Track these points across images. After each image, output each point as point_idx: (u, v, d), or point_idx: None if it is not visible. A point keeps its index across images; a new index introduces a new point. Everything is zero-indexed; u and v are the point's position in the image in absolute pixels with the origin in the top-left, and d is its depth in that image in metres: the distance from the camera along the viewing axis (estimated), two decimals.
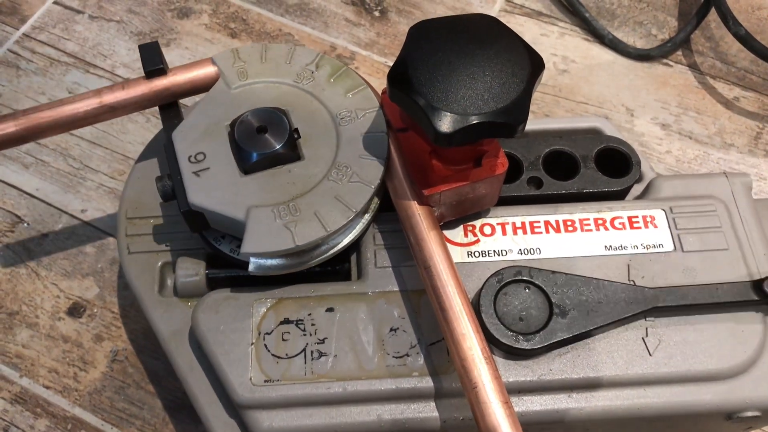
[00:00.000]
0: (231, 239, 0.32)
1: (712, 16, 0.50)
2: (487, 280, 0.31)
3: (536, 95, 0.48)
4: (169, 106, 0.34)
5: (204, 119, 0.32)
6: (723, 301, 0.31)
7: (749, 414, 0.30)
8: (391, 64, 0.49)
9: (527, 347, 0.29)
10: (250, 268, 0.31)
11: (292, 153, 0.31)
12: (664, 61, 0.50)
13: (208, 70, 0.34)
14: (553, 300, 0.30)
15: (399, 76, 0.27)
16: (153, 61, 0.33)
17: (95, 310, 0.41)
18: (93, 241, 0.43)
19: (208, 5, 0.52)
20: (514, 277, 0.31)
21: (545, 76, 0.49)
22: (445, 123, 0.26)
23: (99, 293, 0.41)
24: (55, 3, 0.52)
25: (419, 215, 0.30)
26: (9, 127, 0.32)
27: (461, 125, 0.26)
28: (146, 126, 0.47)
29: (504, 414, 0.26)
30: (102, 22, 0.51)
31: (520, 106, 0.27)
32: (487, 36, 0.28)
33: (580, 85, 0.49)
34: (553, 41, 0.51)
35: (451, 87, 0.27)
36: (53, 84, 0.49)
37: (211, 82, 0.33)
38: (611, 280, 0.31)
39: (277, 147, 0.31)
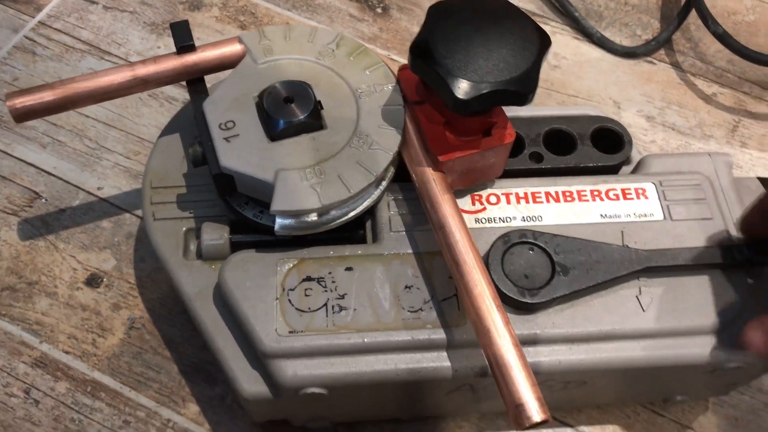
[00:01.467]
0: (254, 205, 0.34)
1: (692, 19, 0.54)
2: (494, 242, 0.34)
3: None
4: (196, 82, 0.36)
5: (233, 91, 0.34)
6: (708, 263, 0.34)
7: (732, 365, 0.33)
8: (393, 56, 0.52)
9: (532, 301, 0.32)
10: (276, 228, 0.33)
11: (316, 122, 0.33)
12: (648, 59, 0.53)
13: (235, 48, 0.36)
14: (555, 260, 0.33)
15: (421, 48, 0.30)
16: (183, 38, 0.35)
17: (113, 281, 0.42)
18: (110, 216, 0.45)
19: None
20: (520, 239, 0.34)
21: None
22: (463, 90, 0.29)
23: (116, 265, 0.43)
24: None
25: (434, 180, 0.33)
26: (47, 96, 0.34)
27: (478, 92, 0.29)
28: (160, 110, 0.49)
29: (515, 354, 0.29)
30: (116, 12, 0.53)
31: (531, 76, 0.30)
32: (500, 14, 0.31)
33: (571, 80, 0.52)
34: None
35: (469, 58, 0.30)
36: (69, 69, 0.50)
37: (237, 60, 0.36)
38: (608, 243, 0.34)
39: (303, 116, 0.33)
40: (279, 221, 0.32)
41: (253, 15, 0.54)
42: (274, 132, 0.33)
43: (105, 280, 0.43)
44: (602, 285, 0.33)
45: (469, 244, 0.31)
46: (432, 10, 0.31)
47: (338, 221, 0.33)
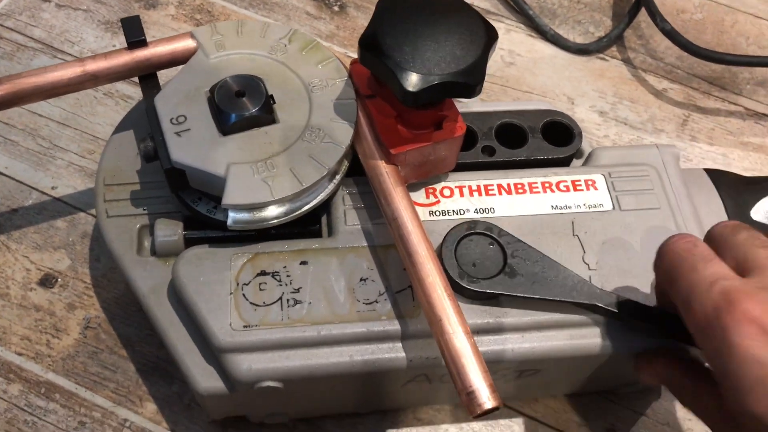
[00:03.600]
0: (208, 201, 0.34)
1: (643, 16, 0.55)
2: (458, 225, 0.34)
3: (485, 85, 0.52)
4: (149, 77, 0.36)
5: (184, 86, 0.34)
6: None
7: None
8: (350, 54, 0.53)
9: (466, 286, 0.32)
10: (228, 222, 0.33)
11: (268, 116, 0.33)
12: (601, 55, 0.55)
13: (187, 43, 0.36)
14: (508, 261, 0.33)
15: (370, 41, 0.30)
16: (135, 33, 0.35)
17: (67, 281, 0.42)
18: (64, 215, 0.44)
19: None
20: (484, 230, 0.34)
21: (494, 67, 0.53)
22: (412, 82, 0.30)
23: (71, 265, 0.42)
24: None
25: (387, 173, 0.33)
26: None
27: (426, 84, 0.30)
28: (115, 108, 0.49)
29: (467, 342, 0.29)
30: (69, 10, 0.53)
31: (478, 69, 0.30)
32: (448, 8, 0.31)
33: (525, 76, 0.53)
34: (501, 37, 0.55)
35: (417, 51, 0.30)
36: (20, 68, 0.50)
37: (189, 55, 0.36)
38: (567, 268, 0.33)
39: (254, 110, 0.33)
40: (232, 215, 0.32)
41: (209, 13, 0.54)
42: (226, 126, 0.33)
43: (59, 280, 0.42)
44: (538, 302, 0.33)
45: (422, 236, 0.32)
46: (381, 3, 0.31)
47: (292, 215, 0.33)
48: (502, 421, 0.40)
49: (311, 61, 0.36)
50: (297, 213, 0.33)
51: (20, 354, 0.40)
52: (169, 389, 0.39)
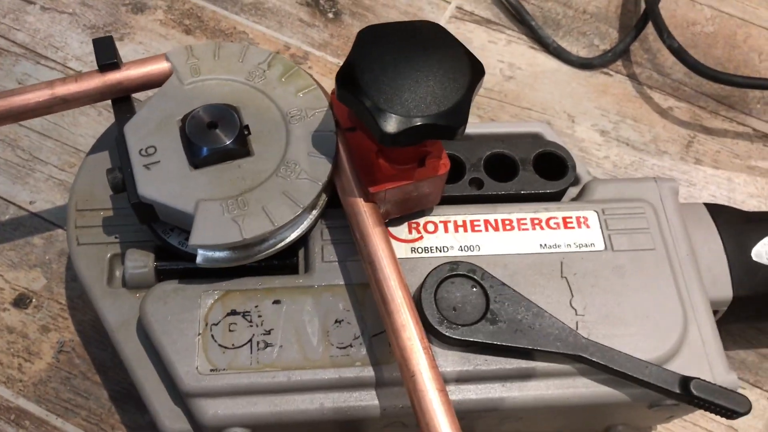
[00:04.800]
0: (180, 232, 0.33)
1: (650, 29, 0.53)
2: (440, 266, 0.32)
3: (482, 100, 0.50)
4: (122, 100, 0.35)
5: (156, 114, 0.32)
6: (647, 381, 0.31)
7: (668, 402, 0.33)
8: None
9: (445, 333, 0.31)
10: (198, 260, 0.31)
11: (242, 149, 0.32)
12: (605, 70, 0.52)
13: (161, 66, 0.34)
14: (491, 306, 0.32)
15: (347, 78, 0.29)
16: (107, 55, 0.33)
17: (42, 301, 0.41)
18: (41, 232, 0.43)
19: (163, 1, 0.52)
20: (466, 272, 0.32)
21: (492, 81, 0.51)
22: (390, 124, 0.28)
23: (46, 284, 0.41)
24: None
25: (365, 212, 0.31)
26: None
27: (405, 126, 0.28)
28: (98, 119, 0.47)
29: (440, 401, 0.28)
30: (54, 13, 0.51)
31: (461, 110, 0.28)
32: (431, 42, 0.29)
33: (525, 91, 0.51)
34: (501, 48, 0.53)
35: (396, 90, 0.28)
36: (2, 74, 0.48)
37: (164, 78, 0.34)
38: (554, 316, 0.32)
39: (228, 142, 0.31)
40: (201, 253, 0.31)
41: (199, 19, 0.52)
42: (197, 159, 0.31)
43: (34, 300, 0.41)
44: (521, 351, 0.31)
45: (399, 281, 0.30)
46: (362, 35, 0.30)
47: (265, 253, 0.32)
48: None
49: (291, 88, 0.34)
50: (271, 251, 0.32)
51: None
52: (143, 418, 0.38)
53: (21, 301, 0.41)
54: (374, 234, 0.31)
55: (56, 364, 0.39)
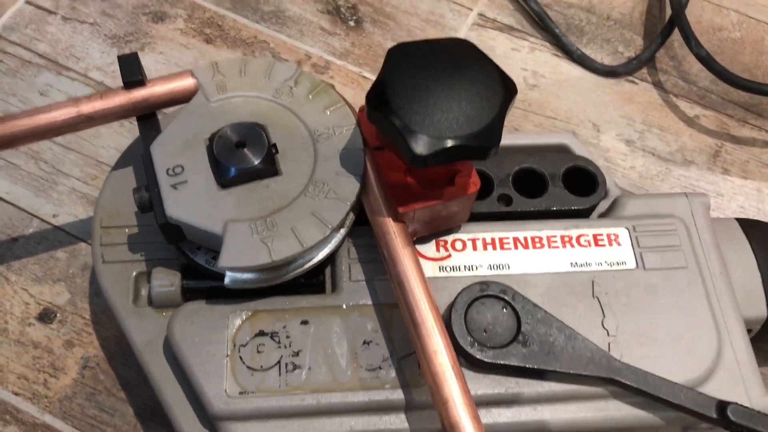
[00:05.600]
0: (206, 250, 0.33)
1: (676, 35, 0.52)
2: (470, 286, 0.32)
3: None
4: (147, 117, 0.34)
5: (183, 132, 0.32)
6: (683, 406, 0.31)
7: (704, 426, 0.32)
8: (365, 74, 0.50)
9: (476, 356, 0.30)
10: (226, 281, 0.31)
11: (270, 168, 0.31)
12: (630, 78, 0.52)
13: (187, 82, 0.34)
14: (522, 329, 0.31)
15: (378, 98, 0.28)
16: (132, 72, 0.33)
17: (66, 316, 0.41)
18: (65, 246, 0.43)
19: (184, 10, 0.52)
20: (498, 293, 0.32)
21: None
22: (421, 145, 0.27)
23: (70, 299, 0.41)
24: (27, 3, 0.51)
25: (394, 232, 0.31)
26: None
27: (437, 148, 0.27)
28: (119, 131, 0.47)
29: (473, 429, 0.27)
30: (75, 23, 0.51)
31: (493, 131, 0.28)
32: (462, 61, 0.29)
33: (549, 100, 0.50)
34: (524, 56, 0.52)
35: (427, 110, 0.28)
36: (24, 85, 0.48)
37: (189, 95, 0.34)
38: (586, 338, 0.31)
39: (256, 162, 0.31)
40: (229, 275, 0.31)
41: (219, 27, 0.52)
42: (225, 179, 0.31)
43: (58, 315, 0.41)
44: (554, 374, 0.31)
45: (429, 304, 0.30)
46: (391, 53, 0.29)
47: (293, 273, 0.31)
48: None
49: (318, 105, 0.33)
50: (298, 271, 0.32)
51: (17, 394, 0.39)
52: None
53: (46, 316, 0.41)
54: (404, 255, 0.30)
55: (81, 379, 0.39)
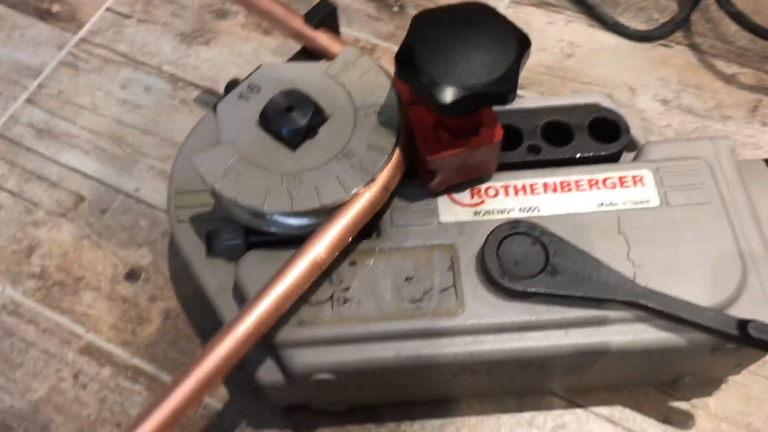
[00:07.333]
0: None
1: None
2: (501, 225, 0.35)
3: (543, 78, 0.52)
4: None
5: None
6: (704, 325, 0.33)
7: (729, 346, 0.34)
8: None
9: (507, 285, 0.34)
10: (272, 228, 0.35)
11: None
12: (664, 42, 0.53)
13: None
14: (550, 260, 0.34)
15: (405, 57, 0.32)
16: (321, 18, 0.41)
17: (149, 275, 0.46)
18: (146, 215, 0.48)
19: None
20: (526, 230, 0.35)
21: (552, 59, 0.53)
22: (446, 95, 0.31)
23: (153, 260, 0.47)
24: (107, 10, 0.58)
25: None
26: None
27: (459, 95, 0.31)
28: (190, 116, 0.52)
29: None
30: (148, 24, 0.57)
31: (510, 78, 0.31)
32: (480, 20, 0.32)
33: (586, 67, 0.53)
34: (560, 28, 0.55)
35: (449, 64, 0.31)
36: (107, 80, 0.54)
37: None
38: (610, 266, 0.34)
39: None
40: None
41: None
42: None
43: (143, 274, 0.46)
44: (581, 300, 0.34)
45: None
46: (415, 19, 0.33)
47: None
48: (554, 412, 0.41)
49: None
50: None
51: (110, 341, 0.44)
52: (240, 374, 0.43)
53: (132, 275, 0.46)
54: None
55: (163, 328, 0.44)
